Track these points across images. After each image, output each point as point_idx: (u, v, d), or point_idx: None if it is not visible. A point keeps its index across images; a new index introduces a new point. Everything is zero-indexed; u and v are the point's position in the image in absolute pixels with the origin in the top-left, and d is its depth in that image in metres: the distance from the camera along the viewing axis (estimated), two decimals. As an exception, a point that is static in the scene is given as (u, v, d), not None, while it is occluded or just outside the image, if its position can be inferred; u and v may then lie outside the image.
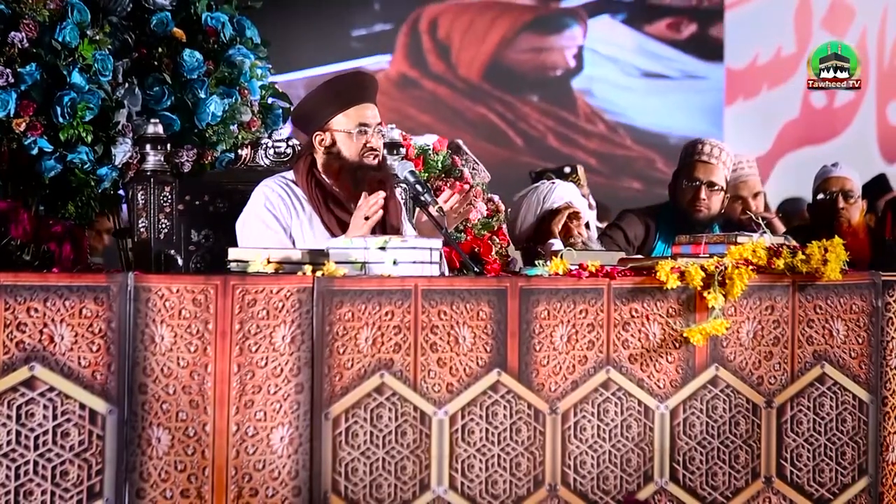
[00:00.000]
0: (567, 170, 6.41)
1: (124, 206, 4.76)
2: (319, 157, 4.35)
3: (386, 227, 4.32)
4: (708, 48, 10.09)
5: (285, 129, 4.98)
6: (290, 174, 4.39)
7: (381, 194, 4.18)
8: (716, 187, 5.49)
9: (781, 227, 6.21)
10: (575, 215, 5.25)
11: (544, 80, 9.76)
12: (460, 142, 5.46)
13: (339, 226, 4.27)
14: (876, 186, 7.26)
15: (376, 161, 4.32)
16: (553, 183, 5.44)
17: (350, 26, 9.44)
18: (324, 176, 4.34)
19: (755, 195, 6.28)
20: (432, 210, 4.21)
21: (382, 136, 4.38)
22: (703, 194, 5.47)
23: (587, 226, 5.30)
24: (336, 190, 4.34)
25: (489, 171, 5.40)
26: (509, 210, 5.39)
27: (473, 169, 5.27)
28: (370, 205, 4.15)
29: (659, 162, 9.87)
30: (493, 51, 9.62)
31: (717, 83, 10.13)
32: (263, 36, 5.00)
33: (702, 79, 10.12)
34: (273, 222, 4.26)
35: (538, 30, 9.75)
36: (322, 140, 4.34)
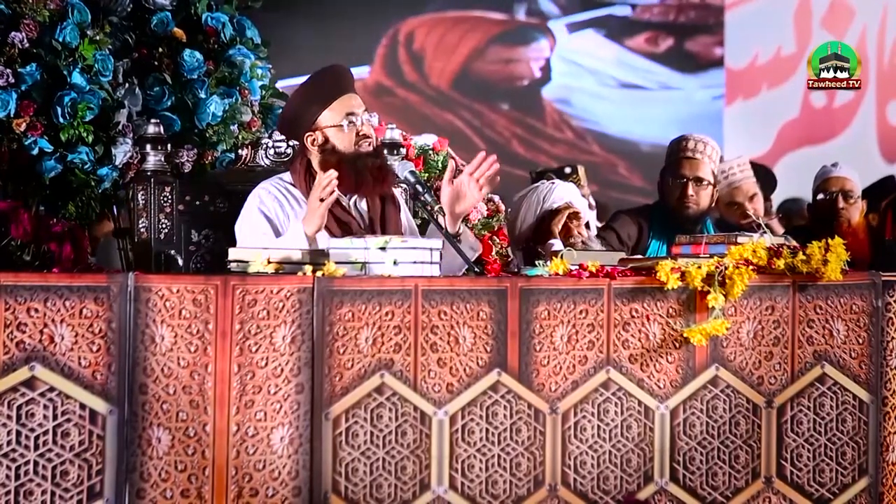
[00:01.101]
0: (567, 170, 6.41)
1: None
2: (315, 157, 4.34)
3: (385, 222, 4.32)
4: (684, 61, 10.30)
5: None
6: (286, 176, 4.38)
7: (333, 173, 4.08)
8: (703, 182, 5.49)
9: (780, 229, 6.21)
10: (575, 215, 5.25)
11: (512, 89, 9.99)
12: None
13: (338, 225, 4.26)
14: (881, 189, 7.24)
15: (371, 147, 4.31)
16: (553, 183, 5.43)
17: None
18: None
19: (751, 198, 6.27)
20: (432, 209, 4.21)
21: (371, 123, 4.35)
22: (690, 190, 5.47)
23: (587, 226, 5.30)
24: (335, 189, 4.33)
25: None
26: (509, 210, 5.39)
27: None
28: (322, 186, 4.07)
29: (621, 167, 10.07)
30: (464, 61, 9.85)
31: (691, 93, 10.28)
32: (264, 37, 5.00)
33: (677, 89, 10.27)
34: (266, 226, 4.23)
35: (506, 42, 10.00)
36: (314, 140, 4.32)
